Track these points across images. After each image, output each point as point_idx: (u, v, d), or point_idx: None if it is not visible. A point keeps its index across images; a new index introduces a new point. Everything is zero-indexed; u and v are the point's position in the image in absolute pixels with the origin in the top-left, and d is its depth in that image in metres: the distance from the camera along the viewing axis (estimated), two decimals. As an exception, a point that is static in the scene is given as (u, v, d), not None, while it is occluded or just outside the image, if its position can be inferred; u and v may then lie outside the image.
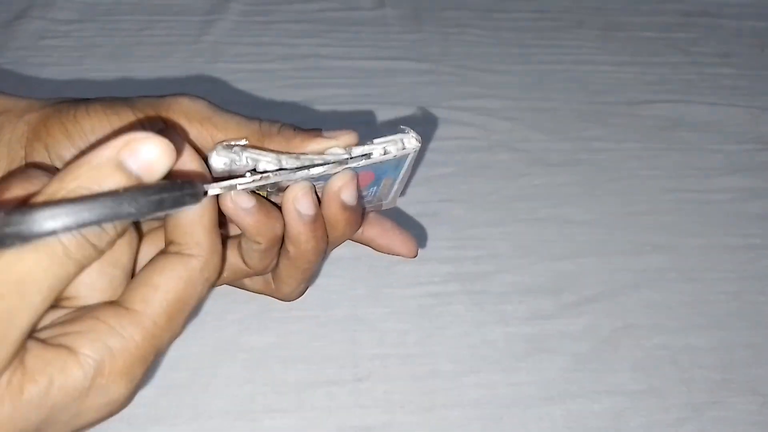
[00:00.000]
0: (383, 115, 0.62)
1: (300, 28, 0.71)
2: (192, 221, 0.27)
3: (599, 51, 0.71)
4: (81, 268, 0.23)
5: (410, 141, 0.32)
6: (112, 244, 0.24)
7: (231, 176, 0.29)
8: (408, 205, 0.54)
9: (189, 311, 0.27)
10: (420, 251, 0.50)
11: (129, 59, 0.65)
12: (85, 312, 0.25)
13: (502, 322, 0.46)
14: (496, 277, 0.49)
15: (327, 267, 0.49)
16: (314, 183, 0.31)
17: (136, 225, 0.29)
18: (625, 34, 0.74)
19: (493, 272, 0.49)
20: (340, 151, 0.30)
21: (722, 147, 0.61)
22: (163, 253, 0.27)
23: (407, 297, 0.47)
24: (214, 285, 0.28)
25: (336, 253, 0.50)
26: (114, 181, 0.22)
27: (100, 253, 0.23)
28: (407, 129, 0.32)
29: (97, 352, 0.24)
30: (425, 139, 0.59)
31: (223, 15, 0.71)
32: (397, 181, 0.35)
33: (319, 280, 0.48)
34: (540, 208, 0.54)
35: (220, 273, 0.29)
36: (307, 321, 0.46)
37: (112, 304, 0.25)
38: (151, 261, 0.27)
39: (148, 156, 0.23)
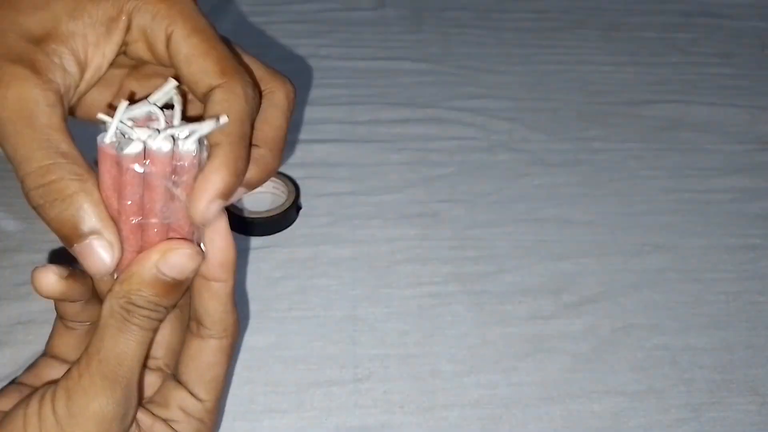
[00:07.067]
0: (383, 115, 0.62)
1: (300, 28, 0.71)
2: (217, 309, 0.31)
3: (599, 51, 0.71)
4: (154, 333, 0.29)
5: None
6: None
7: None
8: (408, 205, 0.54)
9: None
10: (420, 251, 0.51)
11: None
12: (171, 398, 0.33)
13: (502, 322, 0.46)
14: (496, 277, 0.49)
15: (327, 267, 0.49)
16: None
17: None
18: (625, 34, 0.74)
19: (493, 272, 0.49)
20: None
21: (722, 147, 0.61)
22: (199, 337, 0.32)
23: (407, 297, 0.47)
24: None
25: (336, 253, 0.50)
26: (154, 291, 0.28)
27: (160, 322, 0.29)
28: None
29: None
30: (426, 138, 0.60)
31: (222, 15, 0.71)
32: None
33: (320, 280, 0.48)
34: (540, 208, 0.54)
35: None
36: (307, 321, 0.46)
37: (192, 396, 0.32)
38: (195, 349, 0.32)
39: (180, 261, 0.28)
